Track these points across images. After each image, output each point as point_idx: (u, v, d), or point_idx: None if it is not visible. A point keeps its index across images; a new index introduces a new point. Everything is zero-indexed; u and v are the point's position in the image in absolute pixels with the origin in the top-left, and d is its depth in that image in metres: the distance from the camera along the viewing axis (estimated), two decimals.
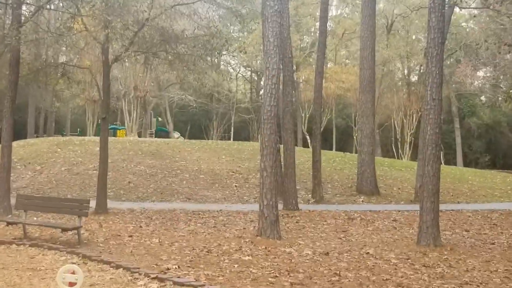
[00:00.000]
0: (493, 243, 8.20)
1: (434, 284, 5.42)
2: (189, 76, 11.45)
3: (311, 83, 24.17)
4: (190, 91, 30.46)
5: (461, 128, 33.95)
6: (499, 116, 35.63)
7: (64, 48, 14.25)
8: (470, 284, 5.46)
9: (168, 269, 5.72)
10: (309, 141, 29.09)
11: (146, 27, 10.15)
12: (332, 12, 34.38)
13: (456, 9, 19.71)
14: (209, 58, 13.31)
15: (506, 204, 13.94)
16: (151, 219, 10.22)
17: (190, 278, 5.29)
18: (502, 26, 17.67)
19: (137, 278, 5.32)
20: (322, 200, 13.33)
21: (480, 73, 29.53)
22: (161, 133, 33.54)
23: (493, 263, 6.60)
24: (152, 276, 5.32)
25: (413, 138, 29.91)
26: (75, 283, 4.33)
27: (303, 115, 31.90)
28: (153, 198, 13.27)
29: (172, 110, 36.55)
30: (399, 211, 12.10)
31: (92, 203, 9.27)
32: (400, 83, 37.55)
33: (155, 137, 28.38)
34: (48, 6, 11.13)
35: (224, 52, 12.40)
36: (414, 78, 37.87)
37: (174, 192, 13.84)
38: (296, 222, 10.29)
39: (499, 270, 6.17)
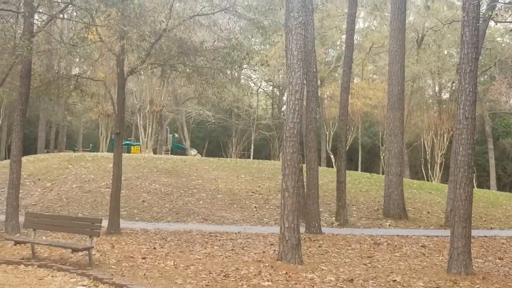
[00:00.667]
0: None
1: None
2: (208, 90, 11.16)
3: (336, 99, 24.00)
4: (209, 106, 29.89)
5: (495, 149, 32.95)
6: None
7: (77, 60, 14.31)
8: None
9: None
10: (333, 160, 28.90)
11: (164, 38, 10.15)
12: (359, 24, 34.30)
13: (491, 23, 19.06)
14: (229, 72, 13.09)
15: None
16: (166, 240, 10.18)
17: None
18: None
19: None
20: (347, 223, 13.11)
21: None
22: (178, 150, 33.34)
23: None
24: None
25: (444, 159, 29.41)
26: None
27: (327, 133, 31.88)
28: (168, 218, 13.28)
29: (189, 126, 35.95)
30: (428, 236, 11.88)
31: (104, 223, 9.30)
32: (430, 100, 37.15)
33: (171, 154, 28.59)
34: (61, 16, 11.10)
35: (244, 66, 12.11)
36: (445, 95, 37.22)
37: (190, 213, 13.80)
38: (319, 246, 10.08)
39: None
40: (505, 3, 10.70)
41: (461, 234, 7.58)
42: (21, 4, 10.23)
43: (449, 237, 8.06)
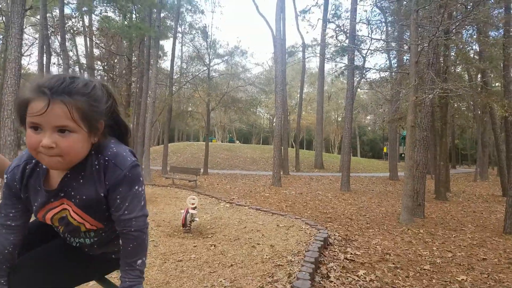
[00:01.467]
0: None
1: (348, 207, 12.44)
2: (243, 116, 25.68)
3: (294, 120, 41.12)
4: (243, 122, 57.39)
5: None
6: None
7: (190, 103, 28.37)
8: (353, 205, 12.48)
9: (233, 198, 12.88)
10: (294, 145, 48.76)
11: (225, 95, 23.67)
12: (306, 89, 55.45)
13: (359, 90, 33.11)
14: (252, 109, 27.37)
15: None
16: (226, 177, 19.13)
17: (242, 202, 11.90)
18: None
19: (220, 202, 11.79)
20: (300, 171, 22.89)
21: None
22: (231, 141, 62.42)
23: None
24: (226, 201, 11.83)
25: (339, 145, 55.25)
26: (194, 203, 7.36)
27: (292, 133, 56.24)
28: (227, 168, 23.30)
29: (235, 131, 69.26)
30: (333, 175, 18.23)
31: (201, 170, 18.62)
32: (333, 121, 61.00)
33: (228, 142, 54.87)
34: (184, 86, 24.62)
35: (258, 107, 26.94)
36: (340, 118, 55.96)
37: (236, 166, 24.00)
38: (288, 180, 18.58)
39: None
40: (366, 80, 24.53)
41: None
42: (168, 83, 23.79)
43: (340, 176, 16.27)
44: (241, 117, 31.50)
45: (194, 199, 7.50)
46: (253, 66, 58.54)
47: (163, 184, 15.65)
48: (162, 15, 21.09)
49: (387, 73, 21.41)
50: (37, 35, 24.90)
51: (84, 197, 1.37)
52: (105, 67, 37.10)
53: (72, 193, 1.38)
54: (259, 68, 57.19)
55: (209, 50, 32.07)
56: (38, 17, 20.99)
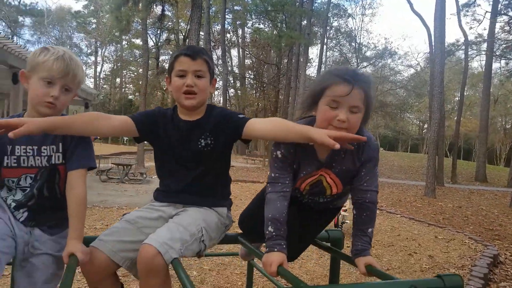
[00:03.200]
0: None
1: None
2: (390, 122, 24.38)
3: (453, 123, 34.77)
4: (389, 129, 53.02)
5: None
6: None
7: None
8: None
9: (382, 205, 12.24)
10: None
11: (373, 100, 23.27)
12: None
13: None
14: (400, 114, 26.00)
15: None
16: None
17: (392, 210, 11.50)
18: None
19: None
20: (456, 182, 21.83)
21: None
22: None
23: None
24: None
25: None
26: (346, 206, 6.37)
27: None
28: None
29: (380, 137, 57.24)
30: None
31: None
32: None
33: None
34: None
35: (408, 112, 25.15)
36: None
37: (381, 173, 20.59)
38: (443, 192, 16.94)
39: None
40: None
41: None
42: None
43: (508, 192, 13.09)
44: (388, 122, 28.73)
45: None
46: (405, 68, 53.46)
47: None
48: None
49: None
50: None
51: (344, 167, 1.73)
52: (255, 75, 40.23)
53: (333, 164, 1.73)
54: (409, 70, 53.27)
55: (356, 54, 31.84)
56: (202, 33, 23.98)
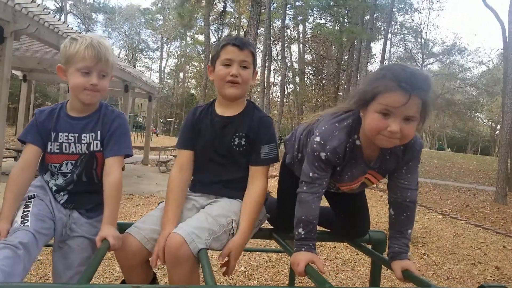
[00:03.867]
0: None
1: None
2: (458, 122, 22.22)
3: None
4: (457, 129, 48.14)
5: None
6: None
7: None
8: None
9: (445, 210, 11.61)
10: None
11: (439, 98, 21.45)
12: None
13: None
14: (469, 114, 23.95)
15: None
16: (435, 186, 16.39)
17: (457, 216, 10.66)
18: None
19: (431, 212, 10.90)
20: None
21: None
22: (440, 149, 51.35)
23: None
24: (438, 212, 11.02)
25: None
26: None
27: None
28: (436, 177, 19.13)
29: (446, 137, 58.42)
30: None
31: None
32: None
33: (437, 150, 44.32)
34: None
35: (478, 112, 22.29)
36: None
37: (447, 176, 20.63)
38: None
39: None
40: None
41: None
42: None
43: None
44: (456, 122, 26.60)
45: None
46: (476, 65, 47.49)
47: None
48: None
49: None
50: (259, 45, 28.59)
51: (388, 168, 1.68)
52: (314, 71, 39.62)
53: (378, 165, 1.68)
54: (480, 67, 47.96)
55: (422, 50, 30.16)
56: (262, 28, 23.95)
